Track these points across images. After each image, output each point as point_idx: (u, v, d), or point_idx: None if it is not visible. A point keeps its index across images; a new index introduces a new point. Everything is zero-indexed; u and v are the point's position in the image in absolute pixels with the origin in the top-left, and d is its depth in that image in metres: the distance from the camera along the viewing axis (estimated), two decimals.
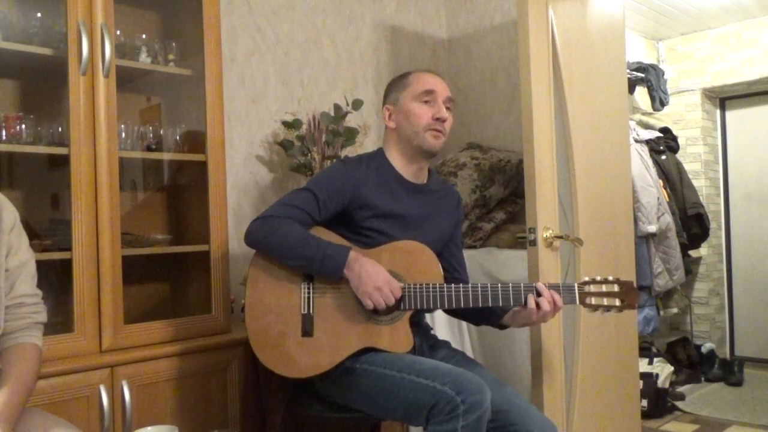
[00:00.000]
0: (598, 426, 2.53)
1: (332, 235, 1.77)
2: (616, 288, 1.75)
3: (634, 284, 1.81)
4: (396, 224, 1.81)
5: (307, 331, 1.72)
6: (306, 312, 1.73)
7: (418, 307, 1.73)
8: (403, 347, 1.72)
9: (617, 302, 1.75)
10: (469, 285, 1.74)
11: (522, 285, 1.74)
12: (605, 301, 1.75)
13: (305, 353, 1.71)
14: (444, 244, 1.94)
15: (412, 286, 1.73)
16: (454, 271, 1.98)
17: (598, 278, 1.76)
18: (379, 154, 1.90)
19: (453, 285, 1.74)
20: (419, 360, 1.68)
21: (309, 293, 1.74)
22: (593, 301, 1.75)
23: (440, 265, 1.78)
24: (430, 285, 1.73)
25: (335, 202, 1.77)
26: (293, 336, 1.72)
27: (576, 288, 1.76)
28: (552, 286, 1.75)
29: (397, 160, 1.88)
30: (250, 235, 1.75)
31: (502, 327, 1.91)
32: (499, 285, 1.73)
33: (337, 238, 1.77)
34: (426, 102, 1.83)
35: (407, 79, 1.89)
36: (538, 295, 1.73)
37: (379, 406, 1.68)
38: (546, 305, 1.71)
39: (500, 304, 1.74)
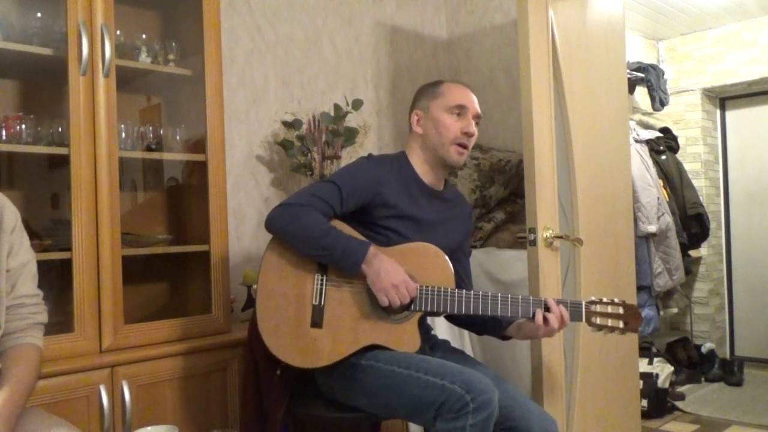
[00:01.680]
0: (598, 426, 2.53)
1: (350, 230, 1.78)
2: (621, 310, 1.78)
3: (640, 311, 1.86)
4: (412, 226, 1.82)
5: (316, 322, 1.72)
6: (317, 303, 1.73)
7: (429, 309, 1.74)
8: (410, 347, 1.72)
9: (621, 324, 1.78)
10: (480, 292, 1.75)
11: (531, 298, 1.76)
12: (609, 322, 1.78)
13: (312, 344, 1.71)
14: (452, 251, 1.95)
15: (425, 288, 1.73)
16: (459, 279, 1.98)
17: (605, 299, 1.79)
18: (402, 156, 1.91)
19: (464, 291, 1.74)
20: (426, 358, 1.69)
21: (322, 285, 1.74)
22: (598, 320, 1.78)
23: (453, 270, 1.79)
24: (443, 288, 1.74)
25: (357, 197, 1.78)
26: (302, 325, 1.72)
27: (583, 306, 1.78)
28: (560, 302, 1.77)
29: (418, 165, 1.89)
30: (271, 221, 1.73)
31: (505, 338, 1.93)
32: (509, 295, 1.75)
33: (355, 233, 1.77)
34: (457, 115, 1.85)
35: (440, 88, 1.89)
36: (547, 309, 1.74)
37: (383, 404, 1.68)
38: (554, 321, 1.73)
39: (509, 314, 1.75)
